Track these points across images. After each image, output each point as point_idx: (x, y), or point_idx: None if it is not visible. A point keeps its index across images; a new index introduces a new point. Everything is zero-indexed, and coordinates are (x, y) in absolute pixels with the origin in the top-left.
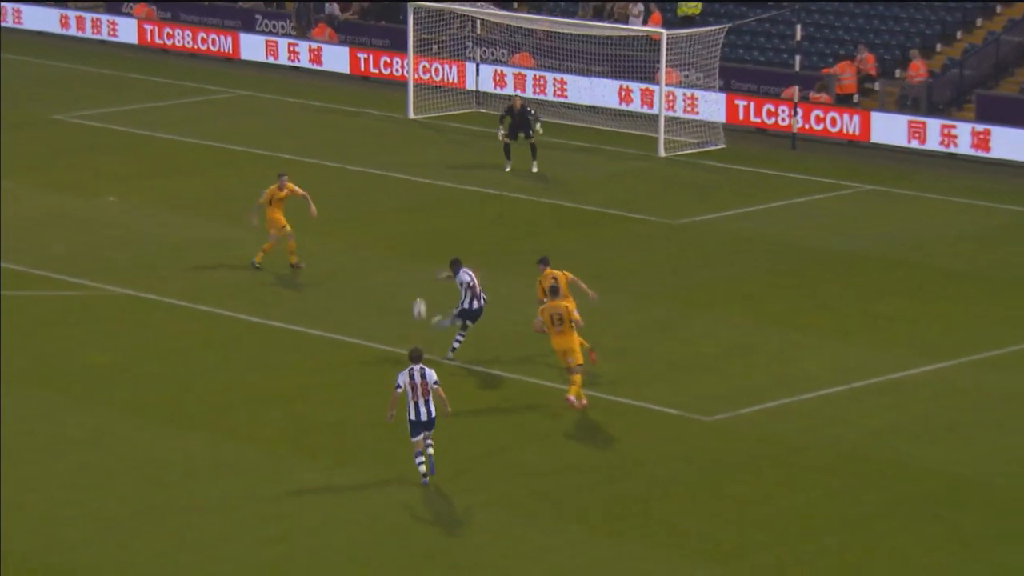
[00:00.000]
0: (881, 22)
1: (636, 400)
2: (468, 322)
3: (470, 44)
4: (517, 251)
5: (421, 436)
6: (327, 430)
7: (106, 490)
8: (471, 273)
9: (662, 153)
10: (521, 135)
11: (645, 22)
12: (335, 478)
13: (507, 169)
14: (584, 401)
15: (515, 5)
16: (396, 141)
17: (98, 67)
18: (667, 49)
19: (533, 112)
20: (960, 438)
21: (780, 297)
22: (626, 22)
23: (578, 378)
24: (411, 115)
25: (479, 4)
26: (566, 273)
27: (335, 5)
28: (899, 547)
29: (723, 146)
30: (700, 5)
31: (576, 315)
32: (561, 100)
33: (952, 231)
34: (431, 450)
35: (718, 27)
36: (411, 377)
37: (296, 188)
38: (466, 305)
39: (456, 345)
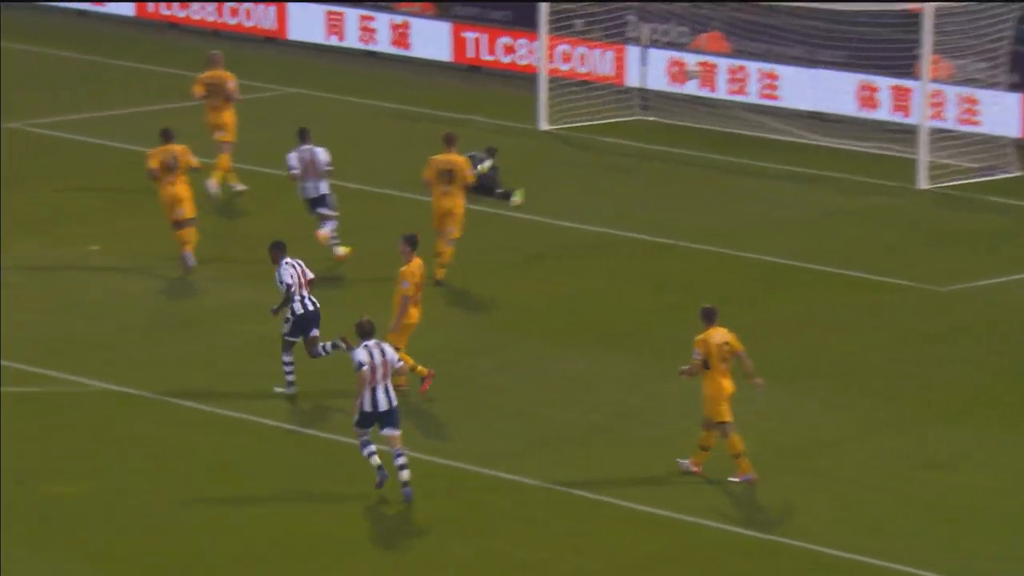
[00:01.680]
0: None
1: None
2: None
3: (633, 19)
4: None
5: (372, 431)
6: None
7: None
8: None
9: (923, 184)
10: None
11: None
12: None
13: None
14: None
15: None
16: (520, 163)
17: (76, 50)
18: (934, 29)
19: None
20: None
21: None
22: None
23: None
24: (542, 125)
25: None
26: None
27: None
28: None
29: (1019, 174)
30: None
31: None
32: (770, 103)
33: None
34: (402, 459)
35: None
36: (371, 355)
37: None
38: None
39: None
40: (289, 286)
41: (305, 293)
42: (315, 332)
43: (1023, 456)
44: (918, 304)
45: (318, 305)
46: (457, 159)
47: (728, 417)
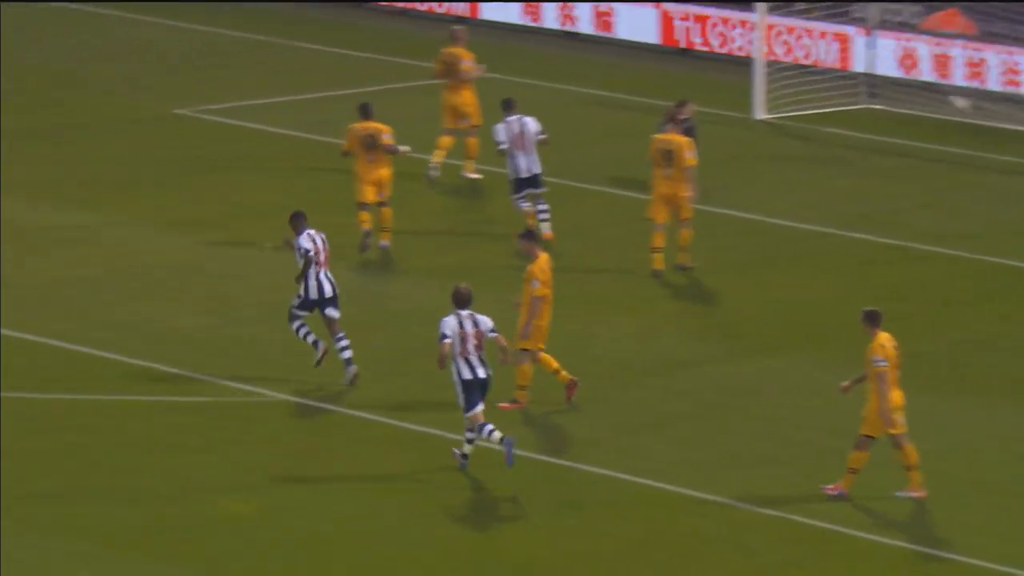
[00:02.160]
0: None
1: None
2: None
3: None
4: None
5: (480, 408)
6: None
7: None
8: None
9: None
10: None
11: None
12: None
13: None
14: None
15: None
16: (733, 154)
17: (243, 30)
18: None
19: None
20: None
21: None
22: None
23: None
24: (758, 114)
25: None
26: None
27: None
28: None
29: None
30: None
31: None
32: (1016, 93)
33: None
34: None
35: None
36: (461, 325)
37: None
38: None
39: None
40: (308, 251)
41: (323, 270)
42: (333, 312)
43: None
44: None
45: (335, 284)
46: (679, 139)
47: (903, 428)
